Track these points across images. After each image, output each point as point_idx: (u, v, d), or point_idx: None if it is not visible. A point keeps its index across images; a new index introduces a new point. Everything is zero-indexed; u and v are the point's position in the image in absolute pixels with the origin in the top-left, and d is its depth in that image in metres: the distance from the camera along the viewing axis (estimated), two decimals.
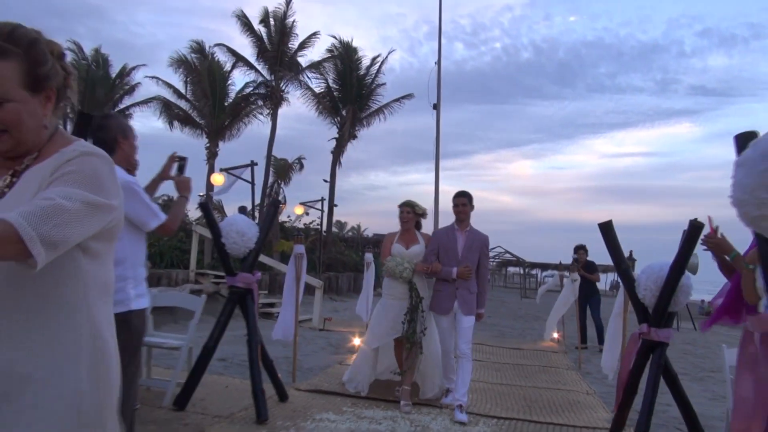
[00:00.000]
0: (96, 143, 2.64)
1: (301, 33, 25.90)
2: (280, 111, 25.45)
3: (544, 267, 36.24)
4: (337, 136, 25.57)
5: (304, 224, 25.12)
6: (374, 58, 25.92)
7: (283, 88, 25.35)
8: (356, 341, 7.38)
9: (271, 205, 5.36)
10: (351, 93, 25.14)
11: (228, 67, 25.50)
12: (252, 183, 15.56)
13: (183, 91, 25.34)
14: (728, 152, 2.08)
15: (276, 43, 24.94)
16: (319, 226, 24.08)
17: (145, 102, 27.12)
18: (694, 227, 3.35)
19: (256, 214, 18.51)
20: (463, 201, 5.09)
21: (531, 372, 7.04)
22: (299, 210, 20.59)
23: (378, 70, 25.73)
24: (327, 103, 25.64)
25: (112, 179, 1.31)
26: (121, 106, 28.34)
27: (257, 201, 19.47)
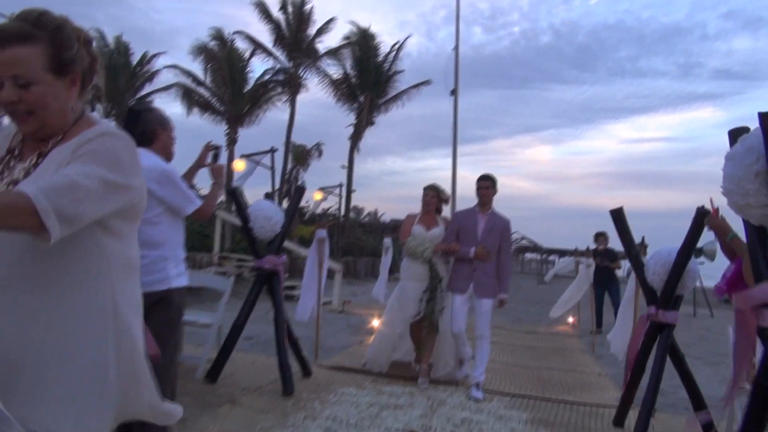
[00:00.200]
0: (137, 134, 2.88)
1: (318, 19, 26.04)
2: (299, 97, 25.70)
3: (561, 253, 36.21)
4: (354, 122, 25.73)
5: (323, 209, 25.46)
6: (393, 45, 26.00)
7: (302, 74, 25.57)
8: (375, 323, 7.63)
9: (296, 191, 5.58)
10: (369, 80, 25.24)
11: (247, 54, 25.76)
12: (272, 169, 15.84)
13: (203, 78, 25.67)
14: None
15: (294, 30, 25.11)
16: (337, 212, 24.39)
17: (165, 89, 27.50)
18: (701, 214, 3.51)
19: (275, 199, 18.81)
20: (486, 184, 5.13)
21: (545, 354, 7.25)
22: (318, 195, 20.87)
23: (395, 57, 25.78)
24: (345, 90, 25.78)
25: (133, 160, 1.33)
26: (142, 93, 28.77)
27: (276, 187, 19.80)
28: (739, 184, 1.77)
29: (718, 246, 3.67)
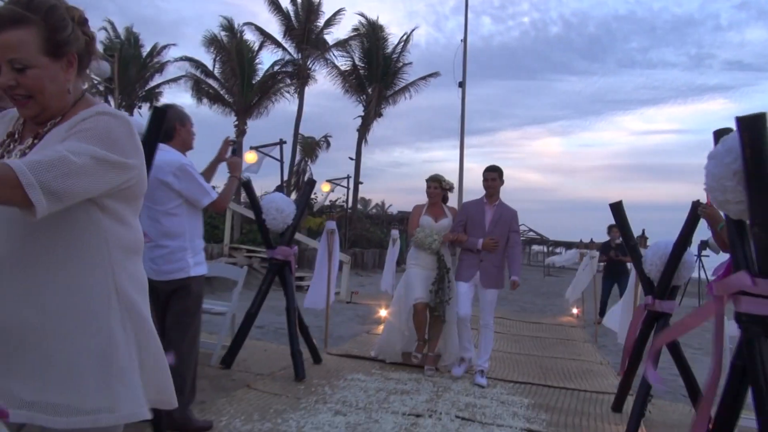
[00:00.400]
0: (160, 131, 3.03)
1: (327, 10, 26.13)
2: (307, 89, 25.84)
3: (568, 245, 36.27)
4: (362, 114, 25.85)
5: (330, 201, 25.65)
6: (401, 37, 26.06)
7: (310, 66, 25.71)
8: (382, 313, 7.80)
9: (306, 184, 5.75)
10: (377, 71, 25.34)
11: (256, 45, 25.91)
12: (281, 161, 16.02)
13: (212, 68, 25.85)
14: None
15: (303, 21, 25.22)
16: (344, 203, 24.58)
17: (175, 80, 27.71)
18: (696, 207, 3.64)
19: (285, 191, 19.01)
20: (492, 176, 5.19)
21: (548, 344, 7.41)
22: (326, 187, 21.04)
23: (403, 49, 25.85)
24: (353, 81, 25.90)
25: (130, 140, 1.31)
26: (152, 83, 29.00)
27: (285, 178, 19.98)
28: (719, 182, 1.93)
29: None
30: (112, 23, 27.57)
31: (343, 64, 26.00)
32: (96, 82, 13.12)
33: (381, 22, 25.86)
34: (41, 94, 1.28)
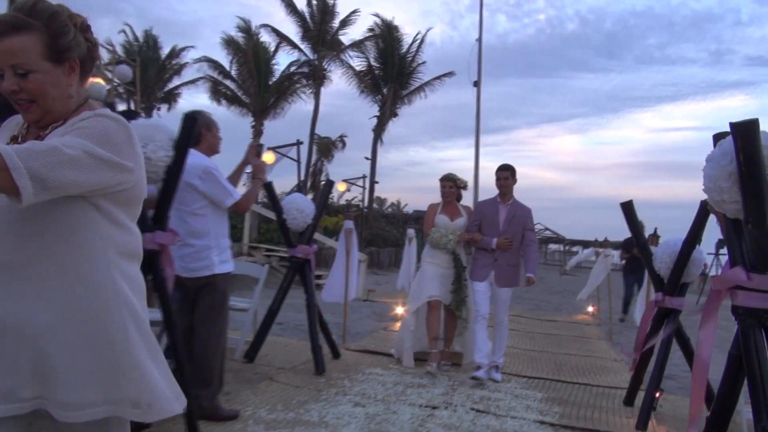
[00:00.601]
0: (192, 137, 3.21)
1: (342, 11, 26.30)
2: (323, 89, 26.06)
3: (585, 244, 36.12)
4: (378, 114, 26.00)
5: (346, 200, 25.86)
6: (415, 36, 26.17)
7: (326, 66, 25.92)
8: (399, 310, 7.95)
9: (325, 185, 5.93)
10: (392, 72, 25.46)
11: (272, 47, 26.21)
12: (298, 161, 16.24)
13: (229, 70, 26.18)
14: None
15: (318, 23, 25.44)
16: (360, 203, 24.77)
17: (193, 82, 28.11)
18: (704, 205, 3.75)
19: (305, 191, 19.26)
20: (505, 174, 5.17)
21: (563, 341, 7.51)
22: (342, 187, 21.25)
23: (419, 49, 25.96)
24: (368, 82, 26.05)
25: (128, 143, 1.32)
26: (170, 85, 29.42)
27: (301, 178, 20.25)
28: (715, 183, 2.05)
29: None
30: (130, 27, 28.05)
31: (358, 64, 26.20)
32: (117, 84, 13.43)
33: (395, 21, 25.91)
34: (43, 99, 1.31)
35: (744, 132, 1.94)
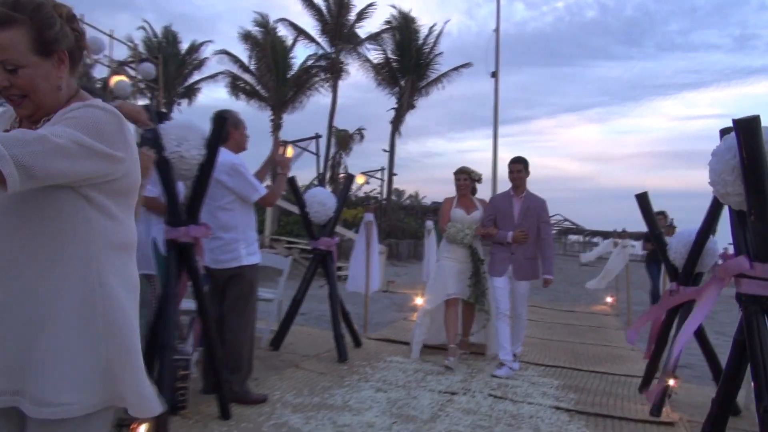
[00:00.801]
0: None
1: (358, 3, 26.43)
2: (340, 82, 26.22)
3: (606, 235, 35.88)
4: (395, 106, 26.09)
5: (365, 193, 26.04)
6: (431, 27, 26.17)
7: (343, 59, 26.05)
8: (418, 301, 8.08)
9: (345, 179, 6.09)
10: (410, 63, 25.51)
11: (289, 41, 26.41)
12: (317, 155, 16.43)
13: (248, 64, 26.45)
14: None
15: (335, 16, 25.56)
16: (378, 195, 24.92)
17: (212, 77, 28.44)
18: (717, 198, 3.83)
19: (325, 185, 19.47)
20: (518, 167, 5.16)
21: (580, 331, 7.61)
22: (361, 179, 21.40)
23: (436, 41, 25.96)
24: (386, 74, 26.13)
25: (118, 133, 1.31)
26: (190, 81, 29.79)
27: (320, 171, 20.47)
28: (720, 176, 2.16)
29: None
30: (149, 24, 28.45)
31: (375, 57, 26.29)
32: (139, 80, 13.70)
33: (413, 11, 26.04)
34: (35, 93, 1.31)
35: (746, 128, 2.04)
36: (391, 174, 25.99)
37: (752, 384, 2.10)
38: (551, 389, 4.50)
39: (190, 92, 29.82)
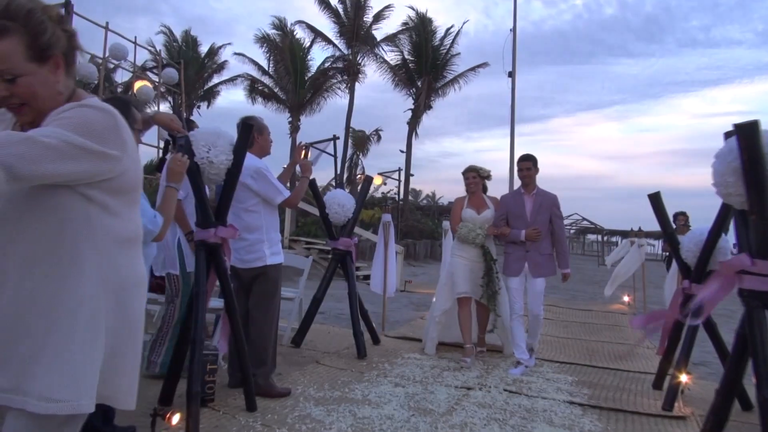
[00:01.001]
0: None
1: (374, 5, 26.63)
2: (357, 83, 26.42)
3: (624, 234, 35.61)
4: (412, 107, 26.22)
5: (382, 193, 26.22)
6: (448, 29, 26.27)
7: (360, 61, 26.25)
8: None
9: (364, 181, 6.24)
10: (426, 64, 25.63)
11: (307, 42, 26.69)
12: (335, 156, 16.62)
13: (266, 67, 26.79)
14: None
15: (352, 18, 25.78)
16: (396, 195, 25.07)
17: (232, 80, 28.83)
18: None
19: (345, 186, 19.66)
20: (527, 165, 5.15)
21: (596, 329, 7.67)
22: (378, 180, 21.59)
23: (453, 41, 26.04)
24: (403, 75, 26.28)
25: (113, 131, 1.31)
26: (210, 84, 30.21)
27: (338, 172, 20.66)
28: (722, 177, 2.28)
29: None
30: (169, 28, 28.98)
31: (392, 58, 26.47)
32: (160, 84, 13.99)
33: (429, 9, 26.18)
34: (35, 100, 1.32)
35: (746, 132, 2.15)
36: (408, 174, 26.13)
37: (752, 376, 2.21)
38: (565, 385, 4.60)
39: (209, 95, 30.28)
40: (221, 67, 29.75)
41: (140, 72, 12.90)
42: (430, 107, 26.70)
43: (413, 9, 26.19)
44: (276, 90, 27.01)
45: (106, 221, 1.34)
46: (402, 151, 26.30)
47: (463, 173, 5.46)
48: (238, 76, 27.80)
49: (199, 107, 29.67)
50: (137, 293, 1.44)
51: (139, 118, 2.60)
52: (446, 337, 5.72)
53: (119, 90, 25.19)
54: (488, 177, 5.53)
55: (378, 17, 26.22)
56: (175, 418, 2.89)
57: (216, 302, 4.25)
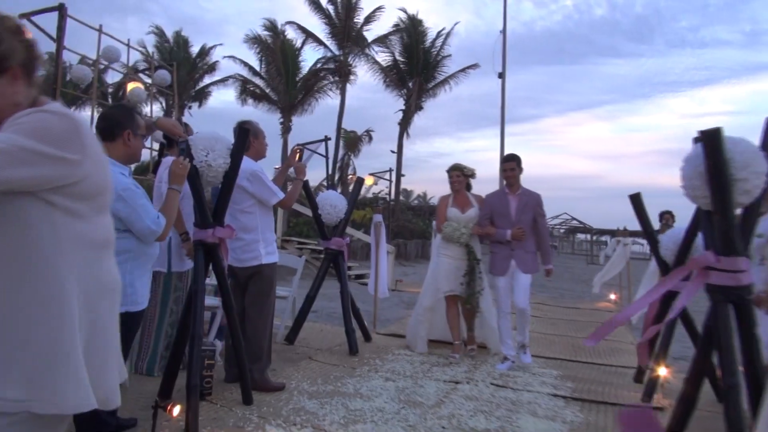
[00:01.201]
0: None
1: (365, 7, 26.78)
2: (348, 84, 26.56)
3: (613, 233, 35.94)
4: (403, 108, 26.39)
5: (373, 194, 26.37)
6: (440, 31, 26.47)
7: (351, 62, 26.39)
8: None
9: (356, 182, 6.38)
10: (417, 65, 25.81)
11: (298, 43, 26.79)
12: (326, 157, 16.71)
13: (257, 68, 26.86)
14: None
15: (343, 19, 25.91)
16: (387, 196, 25.22)
17: (223, 80, 28.87)
18: None
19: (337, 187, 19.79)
20: (511, 165, 5.18)
21: (583, 326, 7.86)
22: (369, 180, 21.72)
23: (444, 43, 26.25)
24: (394, 76, 26.45)
25: (72, 135, 1.28)
26: (201, 84, 30.22)
27: (329, 173, 20.77)
28: (690, 181, 2.44)
29: None
30: (161, 29, 28.94)
31: (383, 59, 26.63)
32: (152, 85, 14.06)
33: (420, 10, 26.46)
34: None
35: (711, 139, 2.32)
36: (399, 175, 26.31)
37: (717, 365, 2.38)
38: (550, 379, 4.77)
39: (201, 96, 30.31)
40: (212, 67, 29.82)
41: (132, 73, 12.95)
42: (421, 108, 26.91)
43: (404, 11, 26.43)
44: (267, 91, 27.09)
45: (72, 226, 1.32)
46: (393, 152, 26.50)
47: (448, 172, 5.51)
48: (230, 76, 27.88)
49: (190, 108, 29.69)
50: (109, 297, 1.43)
51: (143, 124, 2.73)
52: (432, 334, 5.77)
53: (110, 91, 25.20)
54: (472, 175, 5.59)
55: (369, 18, 26.38)
56: (176, 410, 3.03)
57: (211, 300, 4.38)
